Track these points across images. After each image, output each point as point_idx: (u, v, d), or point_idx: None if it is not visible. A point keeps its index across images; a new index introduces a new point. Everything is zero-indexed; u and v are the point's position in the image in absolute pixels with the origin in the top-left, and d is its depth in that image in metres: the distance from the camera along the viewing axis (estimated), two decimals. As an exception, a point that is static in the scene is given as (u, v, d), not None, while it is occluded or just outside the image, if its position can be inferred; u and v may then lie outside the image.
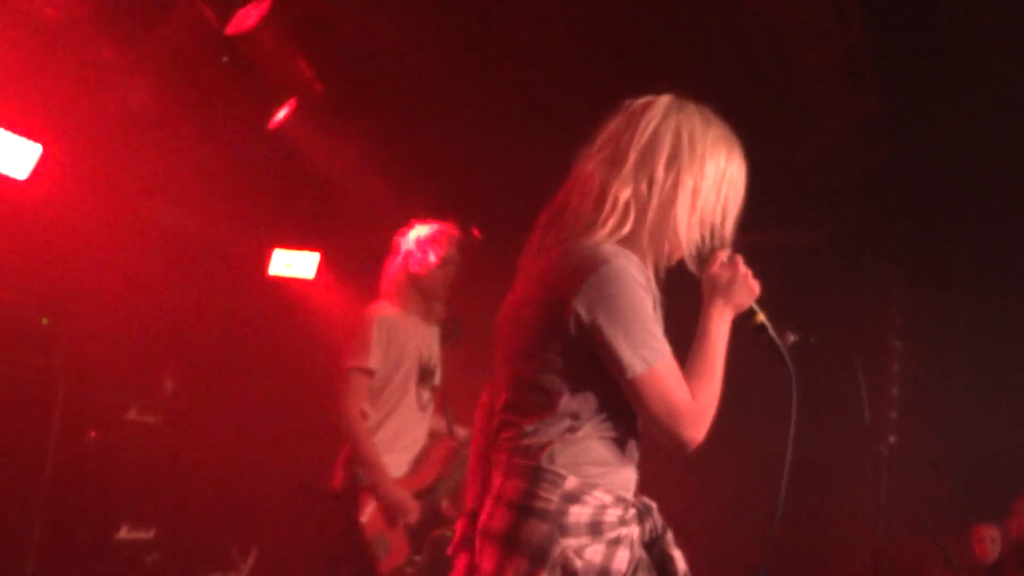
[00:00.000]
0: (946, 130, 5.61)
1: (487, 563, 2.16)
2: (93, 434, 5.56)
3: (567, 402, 2.15)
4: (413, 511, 4.05)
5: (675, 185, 2.20)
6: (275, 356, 6.97)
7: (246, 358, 6.91)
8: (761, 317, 2.34)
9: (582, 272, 2.10)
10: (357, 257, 7.27)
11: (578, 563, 2.06)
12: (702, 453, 2.17)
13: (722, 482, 6.37)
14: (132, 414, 5.85)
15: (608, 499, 2.14)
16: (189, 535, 6.12)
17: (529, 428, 2.18)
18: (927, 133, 5.75)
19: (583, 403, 2.16)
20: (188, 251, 6.77)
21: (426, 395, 4.28)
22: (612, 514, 2.14)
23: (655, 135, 2.23)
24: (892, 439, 6.38)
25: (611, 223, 2.17)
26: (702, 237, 2.27)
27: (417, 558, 4.05)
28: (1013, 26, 4.83)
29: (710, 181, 2.24)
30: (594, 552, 2.09)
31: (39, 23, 4.75)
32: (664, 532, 2.28)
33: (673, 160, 2.21)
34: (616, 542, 2.12)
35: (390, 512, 4.03)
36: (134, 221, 6.31)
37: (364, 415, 4.14)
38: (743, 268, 2.28)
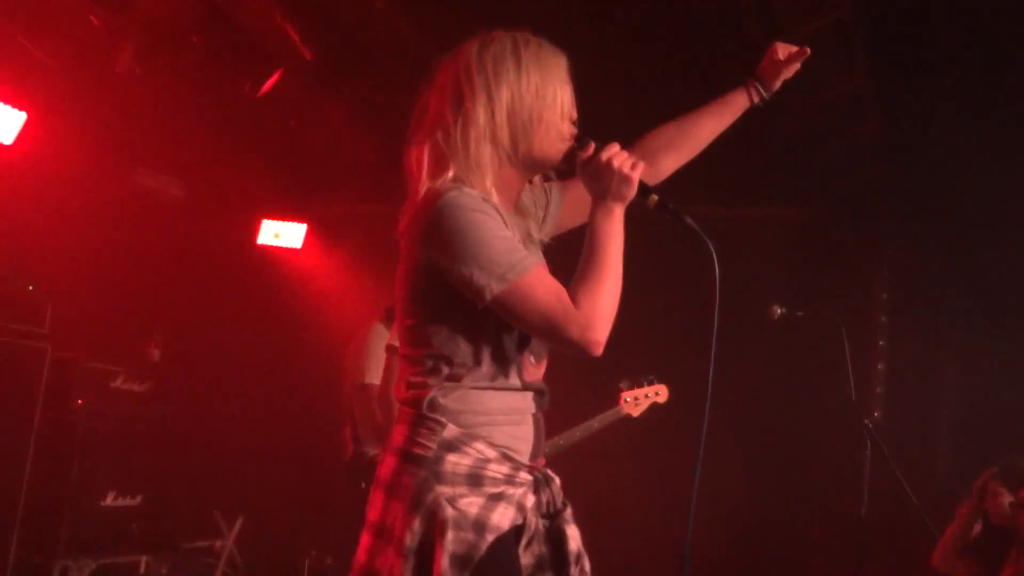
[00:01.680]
0: (936, 104, 5.60)
1: (372, 511, 2.18)
2: (80, 401, 5.55)
3: (442, 350, 2.16)
4: None
5: (482, 107, 2.16)
6: (262, 324, 6.98)
7: (233, 326, 6.91)
8: (655, 197, 2.21)
9: (419, 220, 2.11)
10: (344, 227, 7.29)
11: (450, 511, 2.05)
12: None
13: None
14: (119, 382, 5.84)
15: (491, 453, 2.13)
16: (175, 502, 6.13)
17: (413, 377, 2.20)
18: (917, 107, 5.73)
19: (457, 350, 2.15)
20: (176, 219, 6.75)
21: None
22: (495, 469, 2.13)
23: (454, 77, 2.22)
24: (877, 414, 6.40)
25: (433, 170, 2.15)
26: (547, 140, 2.21)
27: None
28: None
29: (513, 85, 2.18)
30: (470, 503, 2.08)
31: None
32: (563, 508, 2.27)
33: (470, 87, 2.18)
34: (498, 497, 2.11)
35: None
36: (121, 188, 6.28)
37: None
38: (608, 157, 2.15)
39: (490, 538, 2.06)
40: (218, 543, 6.49)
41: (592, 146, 2.18)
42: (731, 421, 6.45)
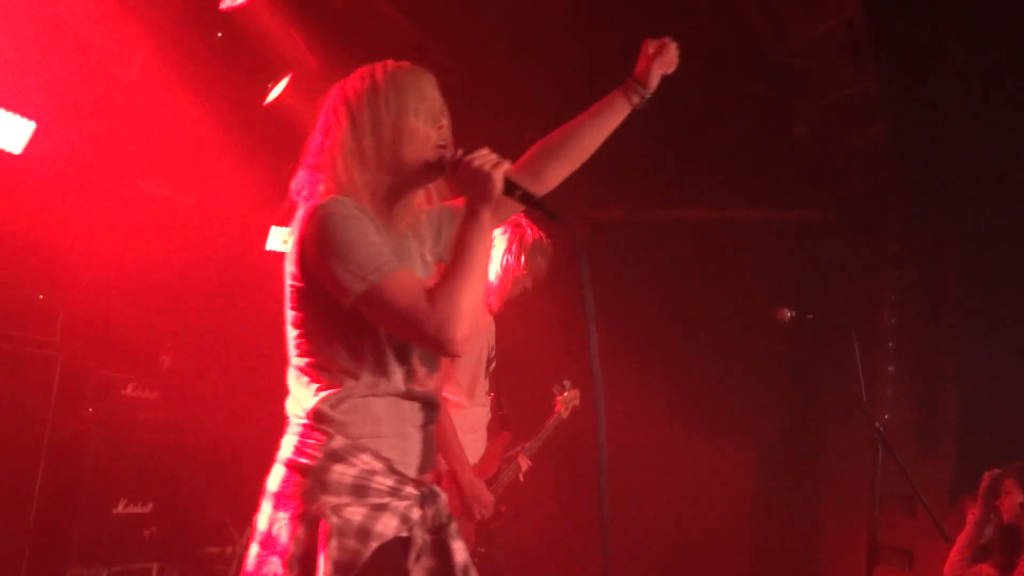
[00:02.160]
0: (943, 106, 5.61)
1: (260, 520, 2.23)
2: (91, 409, 5.55)
3: (323, 359, 2.25)
4: (489, 504, 4.06)
5: (347, 128, 2.31)
6: (272, 331, 6.96)
7: (243, 333, 6.91)
8: (519, 192, 2.27)
9: (299, 229, 2.25)
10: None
11: (334, 519, 2.11)
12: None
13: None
14: (129, 389, 5.84)
15: (378, 465, 2.20)
16: (186, 509, 6.13)
17: (299, 388, 2.29)
18: (924, 109, 5.74)
19: (336, 358, 2.24)
20: (185, 227, 6.75)
21: (487, 384, 4.31)
22: (381, 482, 2.19)
23: (327, 108, 2.38)
24: (887, 416, 6.40)
25: (312, 191, 2.30)
26: (413, 148, 2.31)
27: (481, 550, 4.08)
28: (1011, 1, 4.82)
29: (372, 103, 2.31)
30: (353, 512, 2.14)
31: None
32: (448, 523, 2.32)
33: (337, 112, 2.34)
34: (382, 508, 2.18)
35: (465, 503, 4.02)
36: (131, 196, 6.29)
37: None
38: (470, 159, 2.23)
39: (374, 545, 2.13)
40: (229, 549, 6.49)
41: (459, 152, 2.26)
42: (741, 425, 6.47)
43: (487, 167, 2.20)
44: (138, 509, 5.71)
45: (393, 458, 2.22)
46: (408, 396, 2.28)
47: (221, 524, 6.46)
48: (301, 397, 2.28)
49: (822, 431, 6.27)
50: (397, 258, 2.23)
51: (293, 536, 2.13)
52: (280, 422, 7.04)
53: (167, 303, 6.52)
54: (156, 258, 6.41)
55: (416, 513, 2.25)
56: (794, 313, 4.40)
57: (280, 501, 2.20)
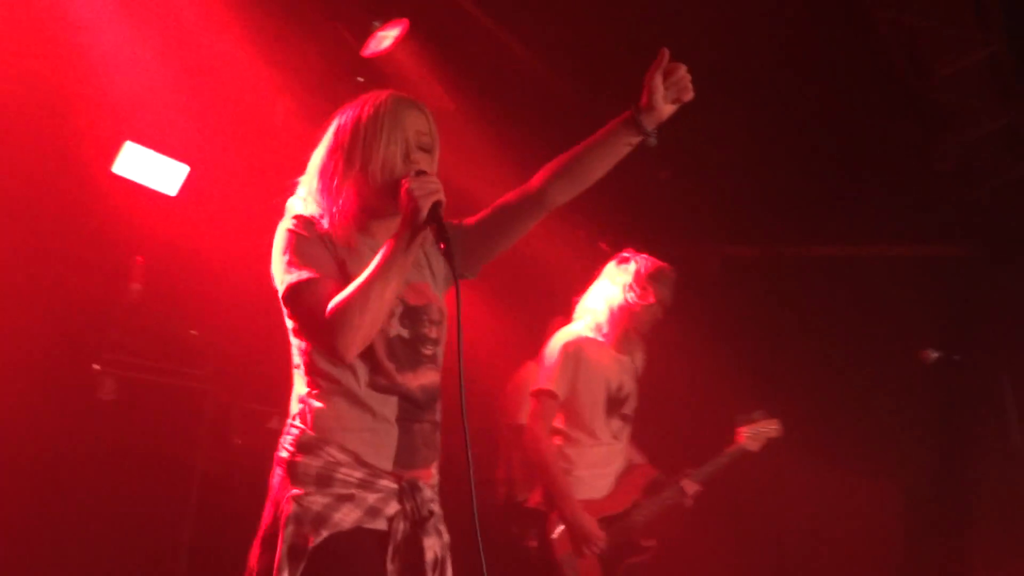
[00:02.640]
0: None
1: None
2: (238, 441, 5.75)
3: (304, 361, 2.42)
4: (598, 540, 4.01)
5: (328, 153, 2.48)
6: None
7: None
8: (436, 227, 2.32)
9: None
10: (483, 272, 7.38)
11: (295, 508, 2.25)
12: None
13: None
14: (273, 422, 6.03)
15: (344, 458, 2.30)
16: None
17: (295, 389, 2.46)
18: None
19: (313, 360, 2.39)
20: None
21: (616, 423, 4.26)
22: (348, 473, 2.29)
23: (329, 134, 2.53)
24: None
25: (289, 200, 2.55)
26: (382, 174, 2.41)
27: None
28: None
29: (351, 131, 2.45)
30: (313, 501, 2.26)
31: (188, 46, 4.99)
32: (428, 517, 2.37)
33: (326, 140, 2.51)
34: (345, 498, 2.28)
35: (574, 538, 4.02)
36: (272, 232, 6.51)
37: (556, 436, 4.19)
38: (408, 186, 2.32)
39: (325, 534, 2.23)
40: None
41: (408, 176, 2.35)
42: (887, 469, 6.25)
43: (417, 193, 2.28)
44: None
45: (361, 451, 2.32)
46: (378, 390, 2.37)
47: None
48: (293, 397, 2.46)
49: (973, 476, 6.01)
50: (331, 272, 2.36)
51: (267, 521, 2.33)
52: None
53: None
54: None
55: (393, 507, 2.32)
56: (940, 354, 4.27)
57: (268, 491, 2.39)
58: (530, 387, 4.27)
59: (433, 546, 2.37)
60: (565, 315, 4.51)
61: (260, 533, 2.33)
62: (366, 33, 4.77)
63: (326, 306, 2.26)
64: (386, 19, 4.77)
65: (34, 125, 5.41)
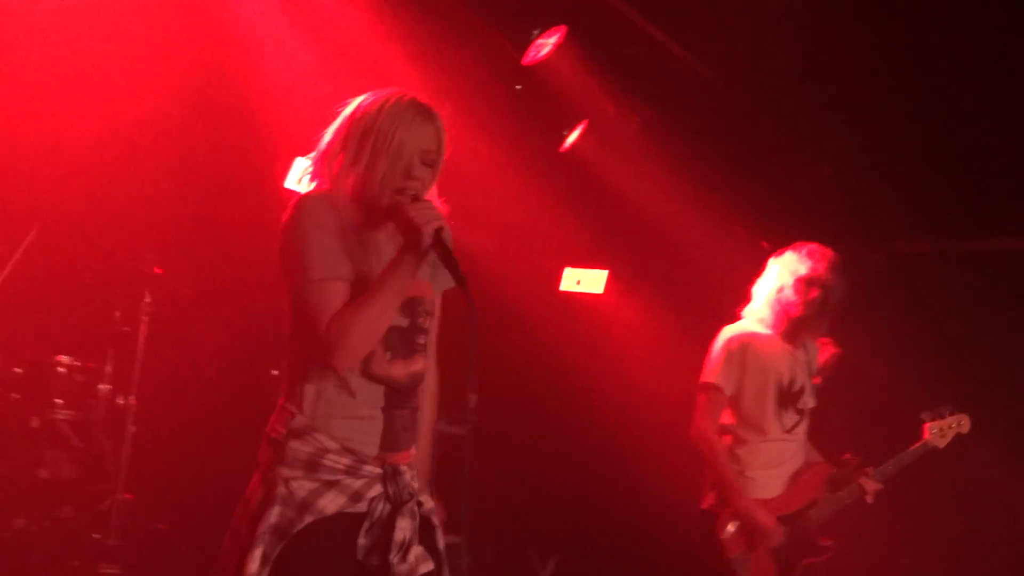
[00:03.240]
0: None
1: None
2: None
3: (298, 344, 2.48)
4: (774, 535, 3.96)
5: (341, 141, 2.49)
6: (569, 369, 7.17)
7: (540, 373, 7.14)
8: (442, 252, 2.38)
9: (281, 223, 2.46)
10: (645, 274, 7.39)
11: (282, 489, 2.37)
12: None
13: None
14: (440, 426, 6.17)
15: (331, 445, 2.39)
16: (494, 542, 6.38)
17: (290, 372, 2.51)
18: None
19: (306, 343, 2.44)
20: (482, 273, 7.09)
21: (790, 418, 4.18)
22: (335, 460, 2.39)
23: (348, 112, 2.54)
24: None
25: (305, 181, 2.57)
26: (382, 187, 2.45)
27: None
28: None
29: (366, 132, 2.45)
30: (300, 486, 2.37)
31: (350, 56, 5.17)
32: (408, 500, 2.44)
33: (344, 129, 2.50)
34: (331, 484, 2.38)
35: (750, 534, 3.99)
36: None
37: (726, 435, 4.15)
38: (404, 210, 2.40)
39: (308, 519, 2.34)
40: (454, 539, 6.67)
41: (411, 198, 2.42)
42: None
43: (419, 220, 2.36)
44: (451, 538, 5.99)
45: (348, 438, 2.41)
46: (370, 379, 2.44)
47: (524, 558, 6.67)
48: (288, 378, 2.51)
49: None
50: (345, 273, 2.41)
51: (253, 497, 2.42)
52: (583, 452, 7.09)
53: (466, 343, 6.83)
54: (456, 301, 6.74)
55: (376, 489, 2.41)
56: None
57: (258, 467, 2.47)
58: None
59: (404, 528, 2.43)
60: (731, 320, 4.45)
61: (248, 505, 2.43)
62: (526, 41, 4.82)
63: (327, 317, 2.35)
64: (545, 27, 4.82)
65: (215, 142, 5.72)
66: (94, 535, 5.48)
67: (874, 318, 5.90)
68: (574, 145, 5.81)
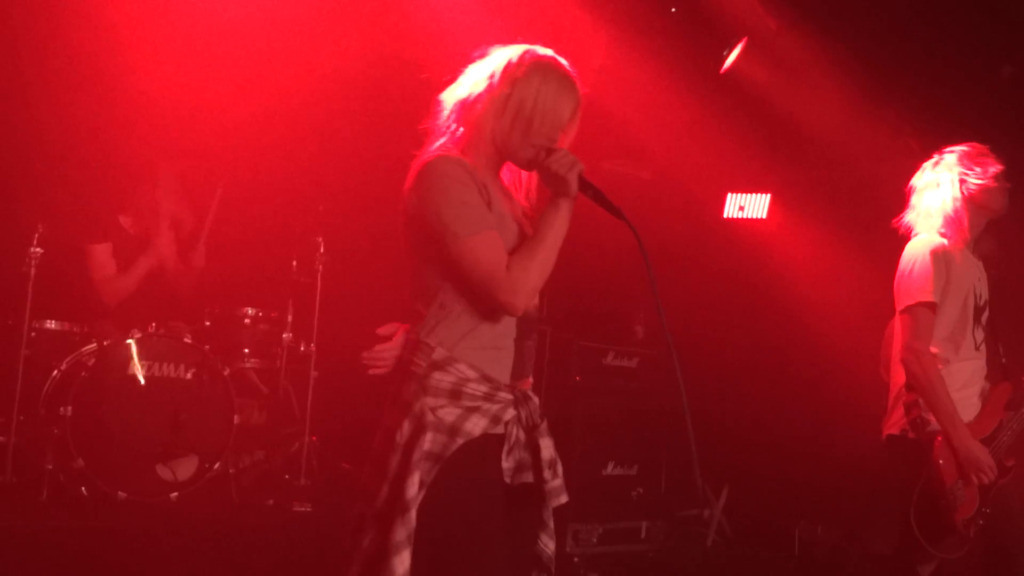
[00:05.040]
0: None
1: (384, 416, 2.65)
2: (577, 378, 5.96)
3: (430, 285, 2.62)
4: (991, 470, 3.78)
5: (502, 96, 2.61)
6: (735, 296, 7.06)
7: (706, 300, 7.05)
8: (589, 191, 2.61)
9: (413, 175, 2.61)
10: (809, 195, 7.18)
11: (430, 418, 2.52)
12: None
13: None
14: (609, 358, 6.19)
15: (472, 374, 2.57)
16: (668, 472, 6.39)
17: (417, 309, 2.66)
18: None
19: (444, 286, 2.60)
20: (642, 201, 7.02)
21: (980, 334, 4.00)
22: (475, 387, 2.56)
23: (481, 67, 2.70)
24: None
25: (439, 136, 2.70)
26: (530, 143, 2.62)
27: (986, 510, 3.85)
28: None
29: (531, 92, 2.60)
30: (447, 412, 2.54)
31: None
32: (540, 422, 2.65)
33: (492, 80, 2.64)
34: (473, 410, 2.55)
35: (963, 466, 3.85)
36: (595, 172, 6.63)
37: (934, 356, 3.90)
38: (550, 162, 2.58)
39: (459, 441, 2.51)
40: (706, 512, 6.67)
41: (541, 153, 2.60)
42: None
43: (562, 171, 2.57)
44: (626, 471, 6.05)
45: (486, 367, 2.59)
46: (501, 316, 2.61)
47: (699, 487, 6.66)
48: (417, 316, 2.65)
49: None
50: (493, 222, 2.57)
51: (399, 427, 2.55)
52: (752, 384, 6.99)
53: (634, 279, 6.81)
54: (622, 234, 6.70)
55: (510, 413, 2.59)
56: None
57: (395, 401, 2.61)
58: (899, 304, 4.01)
59: (548, 446, 2.65)
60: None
61: (390, 435, 2.56)
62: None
63: (501, 265, 2.53)
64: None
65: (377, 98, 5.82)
66: (285, 476, 5.76)
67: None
68: (734, 65, 5.64)
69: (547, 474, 2.63)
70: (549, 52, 2.71)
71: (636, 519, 6.11)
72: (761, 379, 6.99)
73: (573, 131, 2.74)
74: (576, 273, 6.17)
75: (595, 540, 5.85)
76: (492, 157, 2.69)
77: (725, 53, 5.63)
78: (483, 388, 2.57)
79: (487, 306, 2.58)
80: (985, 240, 4.09)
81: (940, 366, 3.85)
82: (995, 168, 3.93)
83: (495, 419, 2.57)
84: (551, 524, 2.76)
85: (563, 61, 2.70)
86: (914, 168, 4.14)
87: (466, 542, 2.52)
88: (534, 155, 2.62)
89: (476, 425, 2.55)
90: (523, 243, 2.61)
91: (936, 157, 4.05)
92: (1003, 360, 4.08)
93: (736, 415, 6.87)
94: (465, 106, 2.66)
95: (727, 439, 6.77)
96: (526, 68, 2.64)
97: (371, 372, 2.69)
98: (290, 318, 5.95)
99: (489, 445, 2.57)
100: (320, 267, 5.96)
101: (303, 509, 5.29)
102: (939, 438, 3.79)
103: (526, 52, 2.68)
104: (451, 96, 2.72)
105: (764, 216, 7.38)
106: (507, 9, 5.18)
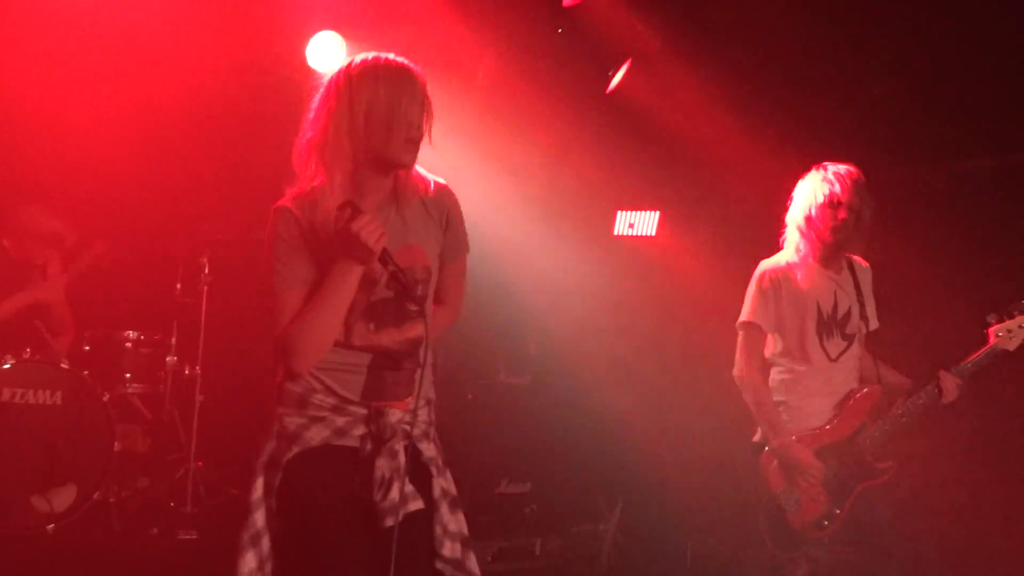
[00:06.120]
0: None
1: None
2: (470, 396, 5.95)
3: None
4: (812, 470, 3.95)
5: (345, 108, 2.61)
6: (626, 313, 7.14)
7: (597, 316, 7.12)
8: (390, 268, 2.60)
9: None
10: (697, 212, 7.31)
11: (276, 425, 2.67)
12: None
13: None
14: (502, 376, 6.20)
15: (318, 385, 2.65)
16: (560, 488, 6.40)
17: None
18: None
19: None
20: (533, 217, 7.05)
21: (835, 344, 4.12)
22: (322, 399, 2.65)
23: (329, 85, 2.69)
24: None
25: (298, 166, 2.71)
26: (394, 143, 2.61)
27: (838, 512, 3.96)
28: None
29: (366, 102, 2.59)
30: (291, 421, 2.65)
31: (392, 10, 5.14)
32: (391, 437, 2.64)
33: (338, 92, 2.63)
34: (317, 420, 2.64)
35: (790, 470, 3.97)
36: (483, 190, 6.64)
37: (772, 364, 4.13)
38: (355, 225, 2.50)
39: (296, 449, 2.61)
40: (601, 526, 6.70)
41: (348, 212, 2.53)
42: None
43: (368, 239, 2.50)
44: (519, 488, 6.04)
45: (332, 385, 2.65)
46: (354, 349, 2.66)
47: (592, 502, 6.70)
48: None
49: None
50: (302, 280, 2.61)
51: (263, 436, 2.69)
52: (641, 401, 7.08)
53: (530, 294, 6.84)
54: (522, 251, 6.73)
55: (361, 428, 2.65)
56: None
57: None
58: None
59: (382, 466, 2.62)
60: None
61: (257, 446, 2.70)
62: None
63: (281, 325, 2.59)
64: (583, -34, 4.74)
65: (260, 110, 5.71)
66: (171, 503, 5.60)
67: (935, 236, 5.81)
68: (620, 85, 5.73)
69: (376, 494, 2.60)
70: (372, 54, 2.68)
71: (530, 536, 6.10)
72: (652, 394, 7.07)
73: (431, 119, 2.68)
74: (468, 291, 6.17)
75: (489, 558, 5.81)
76: (365, 171, 2.67)
77: (611, 73, 5.70)
78: (330, 401, 2.65)
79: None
80: (856, 246, 4.22)
81: (786, 377, 4.03)
82: (852, 197, 4.04)
83: (339, 432, 2.65)
84: (452, 528, 2.79)
85: (391, 55, 2.67)
86: (795, 184, 4.26)
87: (311, 547, 2.58)
88: (338, 214, 2.57)
89: (317, 435, 2.63)
90: (310, 301, 2.60)
91: (809, 172, 4.18)
92: (876, 367, 4.21)
93: (627, 430, 6.93)
94: (312, 142, 2.65)
95: (619, 454, 6.83)
96: (357, 75, 2.63)
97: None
98: (174, 341, 5.81)
99: (331, 455, 2.64)
100: (205, 288, 5.84)
101: (188, 537, 5.17)
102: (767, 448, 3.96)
103: (350, 62, 2.68)
104: (301, 139, 2.70)
105: (654, 233, 7.48)
106: (394, 24, 5.17)
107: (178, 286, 5.93)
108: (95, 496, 5.01)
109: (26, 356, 4.99)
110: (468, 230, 2.93)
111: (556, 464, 6.36)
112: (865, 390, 4.12)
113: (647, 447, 6.91)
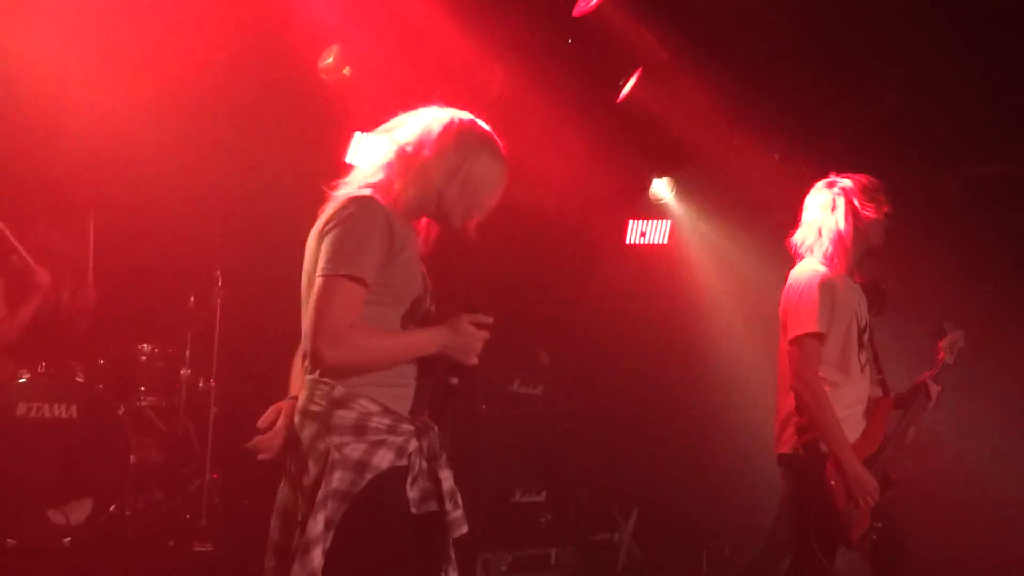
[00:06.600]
0: None
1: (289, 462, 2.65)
2: (483, 407, 5.95)
3: None
4: (876, 491, 3.84)
5: (443, 164, 2.67)
6: (639, 322, 7.13)
7: (611, 325, 7.12)
8: (455, 381, 2.68)
9: (338, 206, 2.63)
10: (709, 220, 7.31)
11: (336, 456, 2.51)
12: None
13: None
14: (515, 386, 6.19)
15: (374, 408, 2.57)
16: (575, 498, 6.40)
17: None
18: None
19: None
20: (545, 229, 7.06)
21: (864, 356, 4.10)
22: (379, 421, 2.57)
23: (445, 130, 2.71)
24: None
25: (379, 172, 2.72)
26: (467, 215, 2.74)
27: (878, 524, 3.93)
28: None
29: (474, 172, 2.68)
30: (353, 449, 2.53)
31: (402, 25, 5.15)
32: (440, 454, 2.67)
33: (443, 144, 2.68)
34: (379, 444, 2.56)
35: (852, 490, 3.90)
36: (500, 205, 6.65)
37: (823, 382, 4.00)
38: (473, 334, 2.62)
39: (369, 476, 2.52)
40: (616, 536, 6.70)
41: (473, 311, 2.65)
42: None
43: (469, 355, 2.63)
44: (534, 498, 6.04)
45: (387, 402, 2.59)
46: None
47: (607, 511, 6.70)
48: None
49: None
50: (370, 279, 2.55)
51: (306, 471, 2.54)
52: (652, 409, 7.09)
53: (541, 304, 6.85)
54: (532, 263, 6.74)
55: (413, 444, 2.61)
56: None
57: (296, 443, 2.60)
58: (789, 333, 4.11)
59: (448, 477, 2.68)
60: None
61: (298, 481, 2.57)
62: (575, -8, 4.77)
63: (346, 322, 2.51)
64: (594, -26, 4.75)
65: (276, 119, 5.72)
66: (186, 515, 5.62)
67: (947, 243, 5.81)
68: (630, 94, 5.73)
69: (448, 505, 2.66)
70: (487, 126, 2.78)
71: (545, 546, 6.11)
72: (667, 403, 7.06)
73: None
74: (485, 298, 6.17)
75: (504, 568, 5.82)
76: (419, 209, 2.73)
77: (621, 83, 5.71)
78: (386, 421, 2.58)
79: (304, 342, 2.60)
80: (866, 263, 4.22)
81: (828, 389, 3.96)
82: (887, 207, 4.06)
83: (400, 451, 2.59)
84: (453, 556, 2.76)
85: (500, 144, 2.78)
86: (806, 191, 4.25)
87: (385, 570, 2.52)
88: (460, 312, 2.64)
89: (384, 459, 2.55)
90: (386, 330, 2.62)
91: (832, 178, 4.15)
92: (882, 376, 4.21)
93: (642, 439, 6.93)
94: (406, 158, 2.69)
95: (635, 462, 6.82)
96: (476, 142, 2.71)
97: (260, 459, 2.64)
98: (188, 353, 5.84)
99: (397, 477, 2.58)
100: (219, 301, 5.86)
101: (204, 549, 5.18)
102: (830, 462, 3.88)
103: (472, 123, 2.76)
104: (387, 142, 2.74)
105: (666, 242, 7.48)
106: (404, 37, 5.19)
107: (192, 299, 5.96)
108: (111, 509, 5.03)
109: (41, 370, 5.02)
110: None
111: (570, 474, 6.37)
112: (880, 401, 4.13)
113: (661, 456, 6.91)
